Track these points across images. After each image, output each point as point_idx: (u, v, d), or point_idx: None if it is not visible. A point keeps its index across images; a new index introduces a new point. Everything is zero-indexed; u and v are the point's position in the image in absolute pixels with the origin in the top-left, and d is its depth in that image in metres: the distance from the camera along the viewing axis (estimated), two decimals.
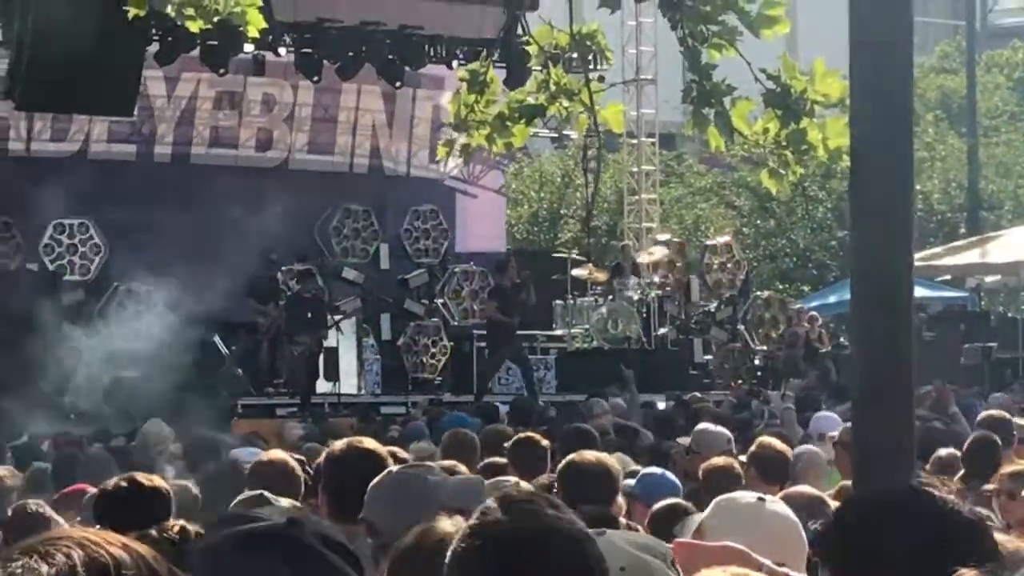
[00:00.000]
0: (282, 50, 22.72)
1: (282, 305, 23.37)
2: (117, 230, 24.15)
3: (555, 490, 6.78)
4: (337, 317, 23.89)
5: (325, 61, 23.02)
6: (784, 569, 4.11)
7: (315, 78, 23.62)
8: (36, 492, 9.55)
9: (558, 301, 25.80)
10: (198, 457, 11.22)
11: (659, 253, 27.05)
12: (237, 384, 22.62)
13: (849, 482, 6.96)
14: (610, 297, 25.45)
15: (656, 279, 26.41)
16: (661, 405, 19.29)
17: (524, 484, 7.00)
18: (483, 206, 29.26)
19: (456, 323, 25.81)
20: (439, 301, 26.08)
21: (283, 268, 24.50)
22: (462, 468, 8.02)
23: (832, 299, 31.09)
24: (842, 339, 26.31)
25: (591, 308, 25.36)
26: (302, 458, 7.88)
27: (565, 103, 9.56)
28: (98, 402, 19.48)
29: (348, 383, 24.22)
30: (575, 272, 25.59)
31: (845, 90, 8.31)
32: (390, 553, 4.12)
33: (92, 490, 7.50)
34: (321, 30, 22.57)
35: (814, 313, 28.21)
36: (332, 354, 23.66)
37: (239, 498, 6.75)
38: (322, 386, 23.36)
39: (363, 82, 25.66)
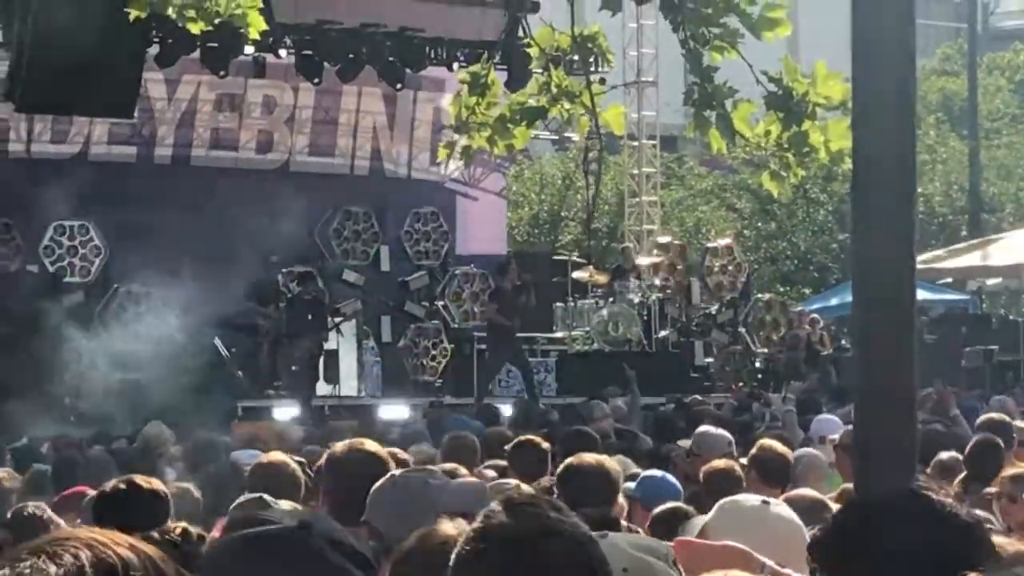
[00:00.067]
0: (282, 52, 22.71)
1: (282, 307, 23.36)
2: (118, 232, 24.13)
3: (555, 493, 6.77)
4: (337, 319, 23.88)
5: (325, 63, 23.02)
6: (787, 571, 4.11)
7: (316, 80, 23.62)
8: (36, 494, 9.52)
9: (559, 303, 25.79)
10: (198, 459, 11.23)
11: (660, 256, 27.05)
12: (237, 386, 22.62)
13: (851, 485, 6.95)
14: (611, 299, 25.44)
15: (657, 281, 26.41)
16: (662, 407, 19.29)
17: (525, 487, 7.00)
18: (484, 208, 29.26)
19: (456, 325, 25.81)
20: (440, 303, 26.08)
21: (283, 270, 24.50)
22: (463, 471, 8.02)
23: (833, 301, 31.10)
24: (843, 342, 26.30)
25: (592, 310, 25.35)
26: (302, 460, 7.88)
27: (566, 105, 9.54)
28: (98, 404, 19.45)
29: (348, 385, 24.21)
30: (576, 274, 25.58)
31: (847, 92, 8.31)
32: (392, 556, 4.12)
33: (92, 492, 7.49)
34: (321, 32, 22.57)
35: (815, 316, 28.21)
36: (332, 356, 23.67)
37: (239, 500, 6.75)
38: (322, 388, 23.37)
39: (364, 84, 25.66)
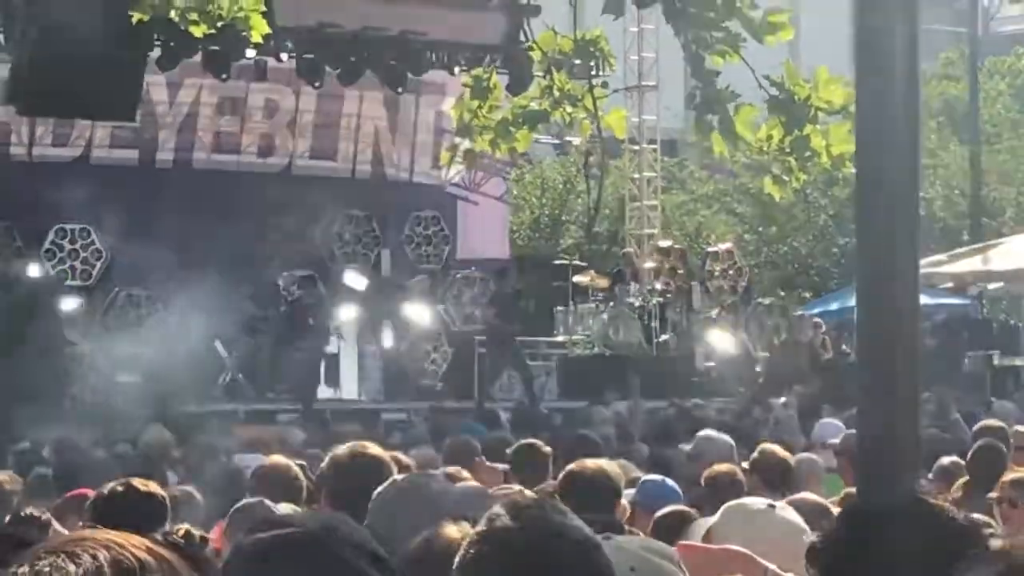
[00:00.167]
0: (284, 55, 22.70)
1: (283, 311, 23.37)
2: (119, 235, 24.13)
3: (557, 498, 6.76)
4: (338, 323, 23.89)
5: (326, 67, 23.01)
6: (790, 574, 4.11)
7: (317, 83, 23.61)
8: (37, 498, 9.52)
9: (559, 307, 25.79)
10: (200, 463, 11.22)
11: (660, 260, 27.04)
12: (238, 390, 22.63)
13: (854, 490, 6.94)
14: (611, 304, 25.44)
15: (658, 286, 26.40)
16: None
17: (527, 491, 7.00)
18: (485, 212, 29.24)
19: (457, 329, 25.81)
20: (440, 307, 26.08)
21: (284, 273, 24.49)
22: (465, 475, 8.02)
23: (834, 306, 31.04)
24: (845, 346, 26.27)
25: (592, 314, 25.35)
26: (304, 463, 7.88)
27: (568, 109, 9.56)
28: (100, 407, 19.46)
29: (349, 389, 24.21)
30: (576, 278, 25.58)
31: (848, 97, 8.31)
32: (395, 560, 4.11)
33: None
34: (323, 35, 22.55)
35: (817, 320, 28.18)
36: (333, 360, 23.67)
37: (240, 503, 6.75)
38: (323, 392, 23.37)
39: (365, 88, 25.64)
